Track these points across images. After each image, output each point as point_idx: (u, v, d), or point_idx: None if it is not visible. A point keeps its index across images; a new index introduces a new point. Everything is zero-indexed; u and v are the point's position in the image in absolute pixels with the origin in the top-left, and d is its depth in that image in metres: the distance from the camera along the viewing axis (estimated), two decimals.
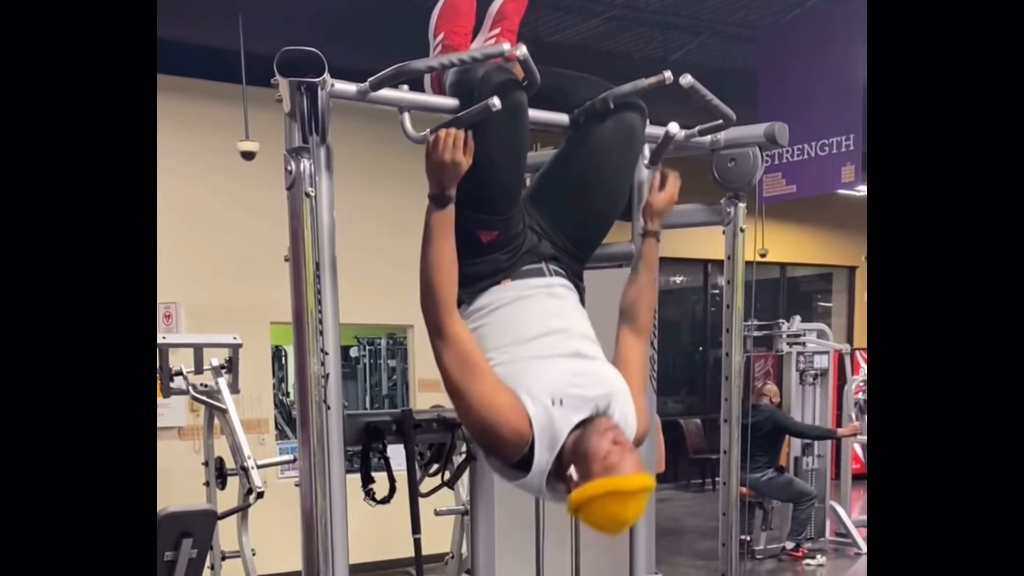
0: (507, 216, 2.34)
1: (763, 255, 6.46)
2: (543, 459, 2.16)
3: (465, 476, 2.92)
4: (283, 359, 9.80)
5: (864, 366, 9.97)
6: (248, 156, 6.11)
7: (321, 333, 2.22)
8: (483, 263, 2.31)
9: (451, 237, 2.18)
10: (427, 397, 7.65)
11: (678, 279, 12.88)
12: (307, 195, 2.17)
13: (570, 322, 2.35)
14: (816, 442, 8.61)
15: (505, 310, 2.32)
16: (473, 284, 2.30)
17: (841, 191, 8.23)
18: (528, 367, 2.22)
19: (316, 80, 2.14)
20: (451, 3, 2.56)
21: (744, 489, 3.29)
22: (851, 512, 8.75)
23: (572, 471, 2.13)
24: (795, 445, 8.61)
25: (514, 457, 2.18)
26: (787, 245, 12.10)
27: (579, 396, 2.19)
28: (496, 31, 2.52)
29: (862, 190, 11.53)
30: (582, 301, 2.50)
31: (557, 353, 2.26)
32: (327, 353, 2.23)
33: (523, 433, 2.14)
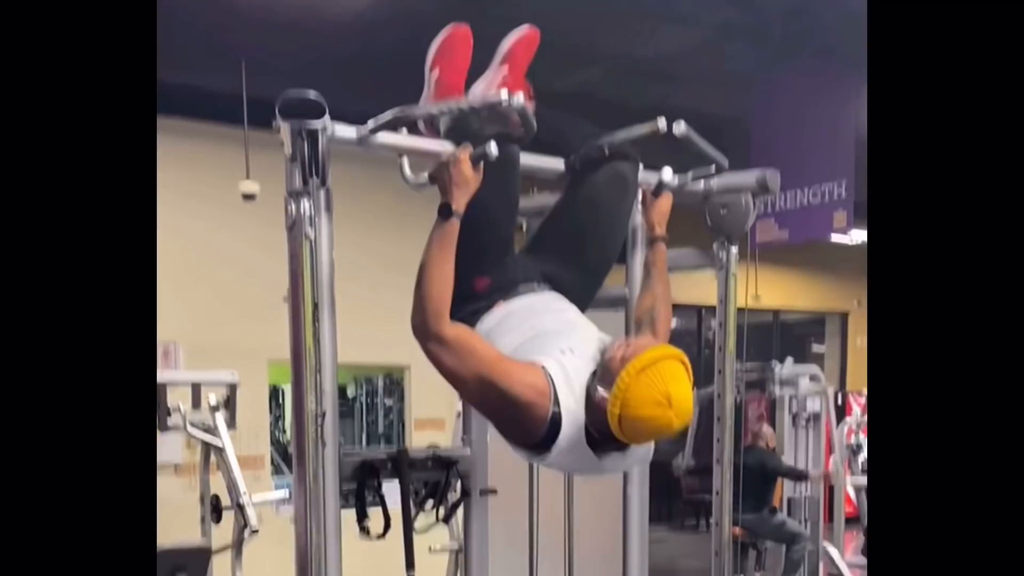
0: (500, 264, 2.40)
1: (756, 299, 6.52)
2: (572, 410, 2.12)
3: (460, 513, 2.94)
4: (280, 398, 9.81)
5: (856, 409, 9.99)
6: (249, 197, 6.19)
7: (319, 371, 2.25)
8: (477, 303, 2.37)
9: (451, 251, 2.20)
10: (423, 436, 7.68)
11: (672, 323, 12.91)
12: (307, 236, 2.21)
13: (565, 311, 2.39)
14: (808, 486, 8.62)
15: (499, 322, 2.35)
16: (468, 318, 2.33)
17: (833, 237, 8.30)
18: (528, 344, 2.23)
19: (317, 124, 2.18)
20: (448, 40, 2.62)
21: (737, 530, 3.30)
22: (844, 553, 8.74)
23: (600, 391, 2.08)
24: (788, 487, 8.62)
25: (542, 424, 2.13)
26: (780, 290, 12.17)
27: (589, 348, 2.19)
28: (504, 70, 2.59)
29: (854, 236, 11.67)
30: None
31: (554, 329, 2.28)
32: (324, 391, 2.27)
33: (542, 388, 2.11)
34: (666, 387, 2.03)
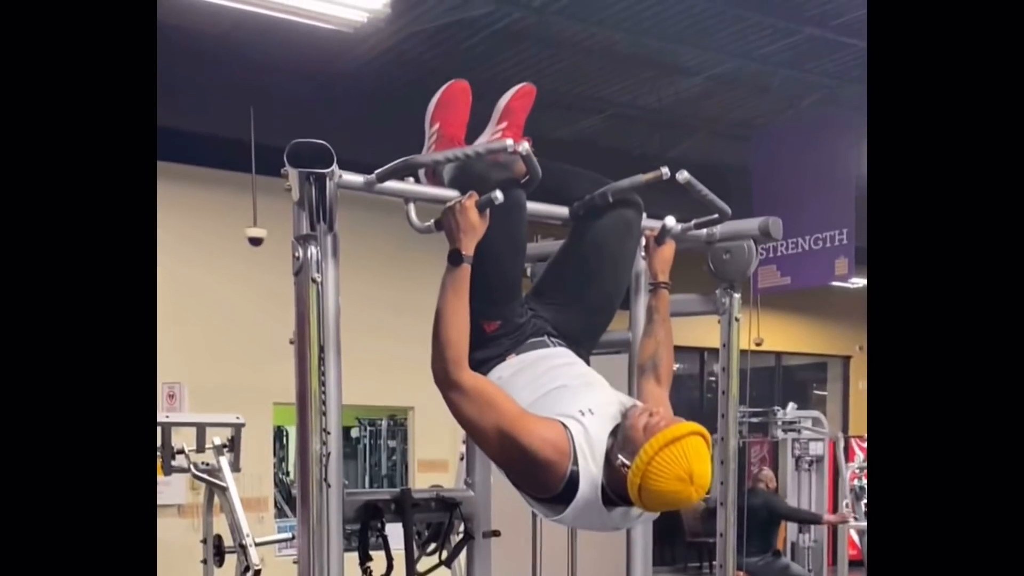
0: (508, 307, 2.43)
1: (758, 344, 6.55)
2: (591, 474, 2.12)
3: (463, 556, 2.95)
4: (284, 439, 9.82)
5: (860, 453, 9.98)
6: (256, 242, 6.28)
7: (324, 413, 2.26)
8: (488, 350, 2.38)
9: (464, 296, 2.23)
10: (426, 477, 7.68)
11: (675, 367, 12.92)
12: (313, 281, 2.22)
13: (578, 366, 2.41)
14: (812, 530, 8.60)
15: (513, 376, 2.36)
16: (479, 367, 2.33)
17: (835, 283, 8.35)
18: (547, 398, 2.24)
19: (325, 171, 2.21)
20: (448, 95, 2.65)
21: (741, 573, 3.32)
22: None
23: (622, 459, 2.08)
24: (791, 529, 8.59)
25: (559, 480, 2.13)
26: (782, 335, 12.20)
27: (607, 408, 2.20)
28: (503, 125, 2.60)
29: (855, 282, 11.71)
30: None
31: (571, 383, 2.30)
32: (329, 433, 2.27)
33: (562, 447, 2.12)
34: (689, 465, 2.04)
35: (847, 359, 13.84)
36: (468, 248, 2.24)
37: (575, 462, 2.12)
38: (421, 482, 7.78)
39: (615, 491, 2.13)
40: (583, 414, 2.16)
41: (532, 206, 2.52)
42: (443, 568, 2.89)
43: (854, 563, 9.30)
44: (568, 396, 2.24)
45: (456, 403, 2.20)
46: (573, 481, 2.12)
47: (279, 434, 9.29)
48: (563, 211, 2.62)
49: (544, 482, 2.16)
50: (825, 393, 14.41)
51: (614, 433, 2.16)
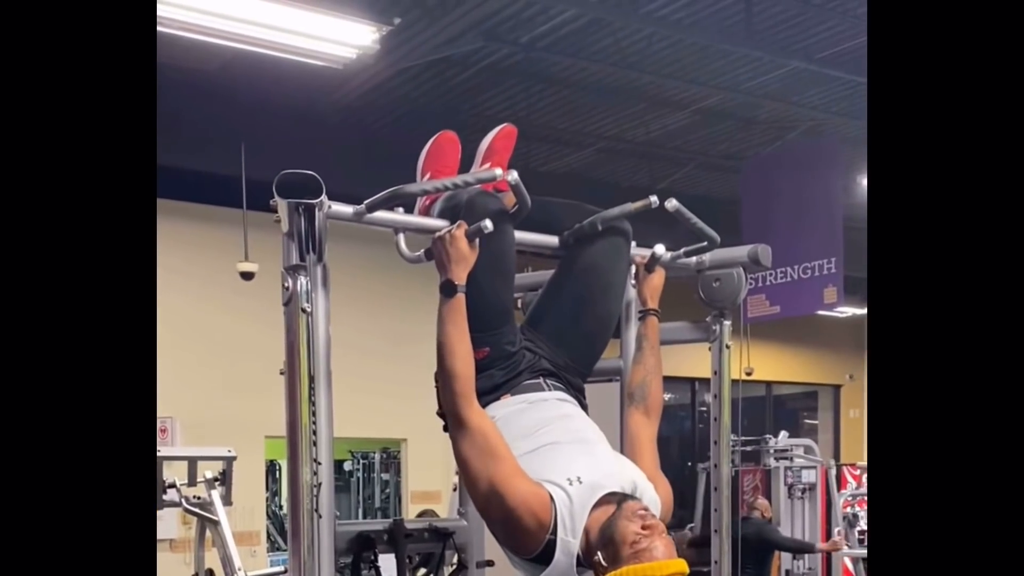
0: (497, 332, 2.43)
1: (749, 373, 6.57)
2: (568, 544, 2.13)
3: None
4: (277, 473, 9.78)
5: (852, 481, 9.98)
6: (247, 276, 6.31)
7: (314, 443, 2.24)
8: (480, 378, 2.36)
9: (464, 326, 2.24)
10: (420, 509, 7.65)
11: (666, 396, 12.91)
12: (303, 311, 2.21)
13: (572, 419, 2.41)
14: (806, 558, 8.58)
15: (506, 418, 2.37)
16: None
17: (824, 312, 8.39)
18: (537, 456, 2.24)
19: (314, 201, 2.20)
20: (436, 146, 2.69)
21: None
22: None
23: (600, 556, 2.08)
24: (785, 557, 8.57)
25: (536, 546, 2.15)
26: (773, 364, 12.22)
27: (597, 473, 2.19)
28: (486, 166, 2.63)
29: (844, 311, 11.76)
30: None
31: (565, 440, 2.30)
32: (320, 463, 2.25)
33: (543, 518, 2.13)
34: None
35: (837, 388, 13.88)
36: (460, 278, 2.26)
37: (554, 531, 2.13)
38: (414, 513, 7.76)
39: (588, 566, 2.14)
40: (571, 483, 2.16)
41: (522, 235, 2.54)
42: None
43: None
44: (559, 458, 2.24)
45: (456, 438, 2.21)
46: (550, 548, 2.14)
47: (272, 468, 9.26)
48: (553, 240, 2.64)
49: (522, 544, 2.18)
50: (816, 422, 14.43)
51: (601, 505, 2.15)
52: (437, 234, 2.29)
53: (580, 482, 2.16)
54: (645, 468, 2.37)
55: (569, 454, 2.26)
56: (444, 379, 2.23)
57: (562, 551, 2.13)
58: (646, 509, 2.15)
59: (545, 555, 2.15)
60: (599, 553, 2.09)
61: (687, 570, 2.10)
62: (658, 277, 2.71)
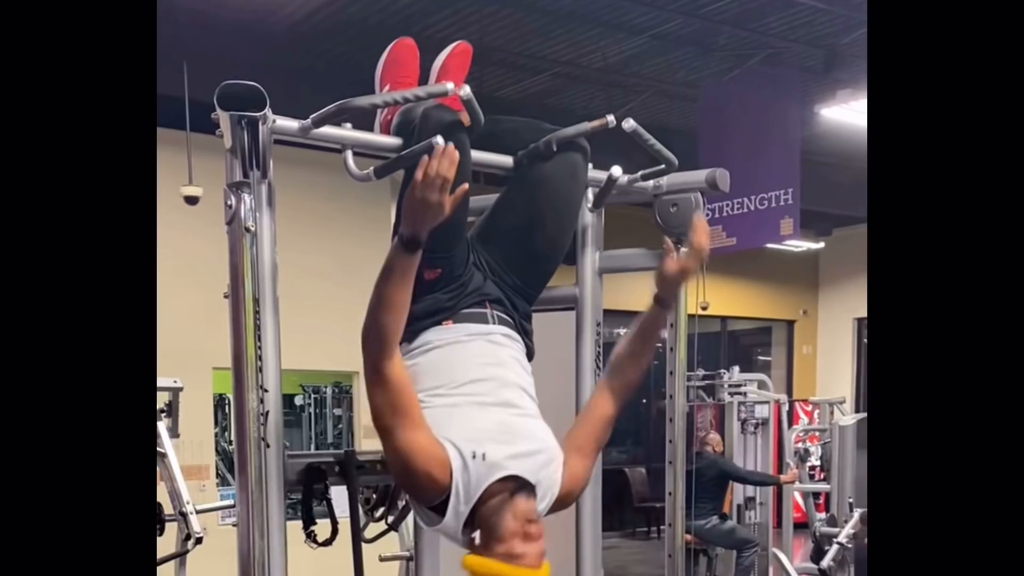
0: (450, 254, 2.34)
1: (704, 308, 6.54)
2: (458, 510, 2.16)
3: (409, 520, 2.88)
4: (227, 407, 9.66)
5: (803, 417, 10.14)
6: (192, 201, 6.12)
7: (260, 370, 2.17)
8: (425, 301, 2.29)
9: (410, 284, 2.11)
10: (373, 444, 7.61)
11: (621, 331, 12.97)
12: (247, 230, 2.12)
13: (506, 372, 2.34)
14: (758, 492, 8.69)
15: (442, 351, 2.30)
16: (414, 323, 2.25)
17: (779, 246, 8.40)
18: (455, 413, 2.21)
19: (257, 114, 2.11)
20: (394, 54, 2.58)
21: (688, 536, 3.29)
22: (792, 559, 8.81)
23: (476, 535, 2.14)
24: (738, 494, 8.68)
25: (431, 501, 2.18)
26: (728, 299, 12.29)
27: (503, 452, 2.18)
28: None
29: (799, 245, 11.83)
30: (530, 349, 2.48)
31: (487, 401, 2.26)
32: (267, 390, 2.19)
33: (441, 483, 2.14)
34: None
35: (791, 323, 14.00)
36: (426, 233, 2.06)
37: (448, 495, 2.15)
38: (367, 448, 7.73)
39: (470, 529, 2.18)
40: (474, 457, 2.15)
41: (476, 155, 2.45)
42: (391, 534, 2.84)
43: (799, 525, 9.45)
44: (475, 422, 2.21)
45: (371, 385, 2.15)
46: (443, 506, 2.17)
47: (221, 402, 9.14)
48: (507, 160, 2.55)
49: (420, 497, 2.22)
50: (770, 358, 14.58)
51: (500, 484, 2.16)
52: (419, 173, 2.03)
53: (484, 459, 2.15)
54: (572, 440, 2.36)
55: (486, 421, 2.23)
56: (371, 328, 2.11)
57: (453, 514, 2.16)
58: (536, 516, 2.18)
59: (440, 508, 2.17)
60: (477, 532, 2.13)
61: None
62: (676, 267, 2.46)
